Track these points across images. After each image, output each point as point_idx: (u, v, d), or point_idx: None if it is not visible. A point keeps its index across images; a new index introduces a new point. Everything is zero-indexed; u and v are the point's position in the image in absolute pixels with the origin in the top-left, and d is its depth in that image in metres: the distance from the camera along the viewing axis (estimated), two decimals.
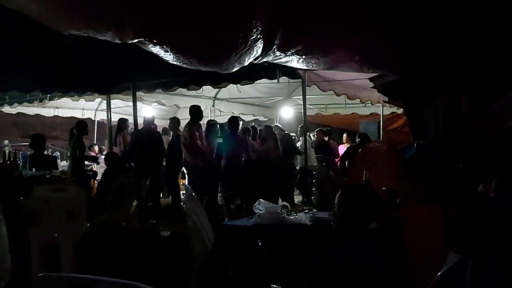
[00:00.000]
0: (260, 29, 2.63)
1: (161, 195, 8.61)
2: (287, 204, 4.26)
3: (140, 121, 7.64)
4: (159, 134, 8.65)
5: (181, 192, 8.26)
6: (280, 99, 11.07)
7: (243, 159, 7.71)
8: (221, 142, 7.69)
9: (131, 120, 9.05)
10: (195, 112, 7.81)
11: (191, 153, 7.62)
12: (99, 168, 8.84)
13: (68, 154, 7.86)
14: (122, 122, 8.75)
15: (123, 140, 8.44)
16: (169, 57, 2.81)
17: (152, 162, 7.56)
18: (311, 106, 10.03)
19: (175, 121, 8.80)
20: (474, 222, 1.92)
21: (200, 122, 7.97)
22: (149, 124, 8.26)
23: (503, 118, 2.48)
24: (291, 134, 9.62)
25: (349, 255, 2.37)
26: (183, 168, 8.39)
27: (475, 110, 3.08)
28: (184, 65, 2.97)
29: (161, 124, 11.35)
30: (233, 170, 7.47)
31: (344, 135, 10.26)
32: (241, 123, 9.16)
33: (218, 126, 8.56)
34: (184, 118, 12.61)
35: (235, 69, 3.13)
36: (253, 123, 11.29)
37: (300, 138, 9.28)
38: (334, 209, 2.63)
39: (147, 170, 6.71)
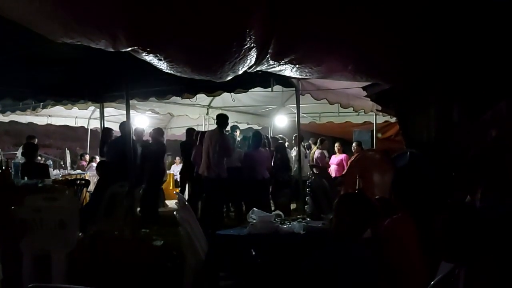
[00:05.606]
0: (254, 38, 2.64)
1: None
2: (281, 213, 4.25)
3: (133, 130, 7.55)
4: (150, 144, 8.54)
5: (175, 201, 8.21)
6: (274, 107, 11.09)
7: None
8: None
9: (116, 128, 9.05)
10: (223, 121, 7.57)
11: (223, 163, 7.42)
12: (92, 177, 8.74)
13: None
14: (107, 131, 8.57)
15: None
16: (162, 65, 2.81)
17: (146, 171, 7.52)
18: (304, 115, 10.04)
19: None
20: (466, 231, 1.92)
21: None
22: (141, 135, 8.17)
23: (489, 128, 2.50)
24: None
25: (342, 263, 2.37)
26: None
27: (467, 120, 3.10)
28: (178, 74, 2.98)
29: None
30: (255, 185, 7.44)
31: (337, 144, 10.15)
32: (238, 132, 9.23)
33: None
34: (178, 126, 12.67)
35: (229, 78, 3.14)
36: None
37: (294, 147, 9.25)
38: (331, 216, 2.63)
39: (139, 179, 6.67)
